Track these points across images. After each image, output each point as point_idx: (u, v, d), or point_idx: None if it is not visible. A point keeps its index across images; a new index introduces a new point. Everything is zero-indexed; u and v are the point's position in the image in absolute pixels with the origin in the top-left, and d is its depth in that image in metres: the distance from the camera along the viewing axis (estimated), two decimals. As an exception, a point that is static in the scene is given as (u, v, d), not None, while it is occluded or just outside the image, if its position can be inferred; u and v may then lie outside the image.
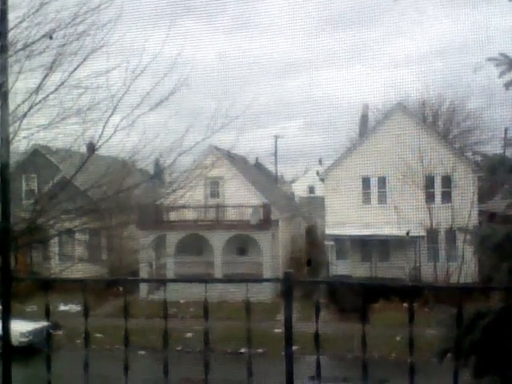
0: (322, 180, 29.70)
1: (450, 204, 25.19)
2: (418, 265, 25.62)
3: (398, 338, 17.71)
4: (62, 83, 11.49)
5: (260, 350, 17.15)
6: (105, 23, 11.19)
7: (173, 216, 26.94)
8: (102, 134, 12.27)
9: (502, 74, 8.17)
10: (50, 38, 10.69)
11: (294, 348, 3.59)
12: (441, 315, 7.17)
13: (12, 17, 8.87)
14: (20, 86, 10.75)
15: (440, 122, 35.39)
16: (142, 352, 17.44)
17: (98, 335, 19.15)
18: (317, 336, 3.68)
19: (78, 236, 15.45)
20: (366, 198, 27.87)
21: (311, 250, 31.44)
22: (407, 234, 24.59)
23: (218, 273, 26.75)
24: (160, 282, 29.80)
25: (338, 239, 26.86)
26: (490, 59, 8.34)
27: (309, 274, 26.49)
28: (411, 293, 4.47)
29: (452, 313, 5.63)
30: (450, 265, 24.82)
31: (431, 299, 16.03)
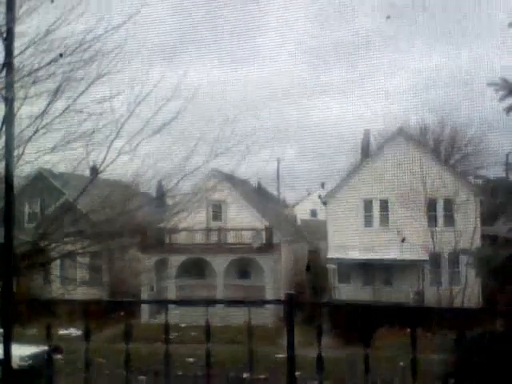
0: (324, 203, 29.70)
1: (452, 227, 25.14)
2: (421, 289, 25.44)
3: (401, 363, 17.50)
4: (67, 108, 11.62)
5: (262, 376, 16.94)
6: (109, 51, 11.37)
7: (175, 239, 26.90)
8: (105, 157, 12.38)
9: (502, 99, 8.25)
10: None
11: (297, 374, 3.57)
12: (443, 340, 7.12)
13: (18, 43, 9.04)
14: (25, 110, 10.88)
15: (442, 146, 35.52)
16: (143, 377, 17.25)
17: (99, 359, 18.97)
18: (319, 361, 3.65)
19: (79, 259, 15.44)
20: (368, 221, 27.83)
21: (313, 273, 31.25)
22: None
23: (219, 296, 26.58)
24: (161, 303, 29.65)
25: (341, 263, 26.75)
26: (490, 84, 8.43)
27: (311, 297, 26.31)
28: (414, 317, 4.45)
29: (454, 337, 5.59)
30: (453, 288, 24.65)
31: (434, 324, 15.89)
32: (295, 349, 3.55)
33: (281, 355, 13.96)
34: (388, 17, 12.32)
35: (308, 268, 26.35)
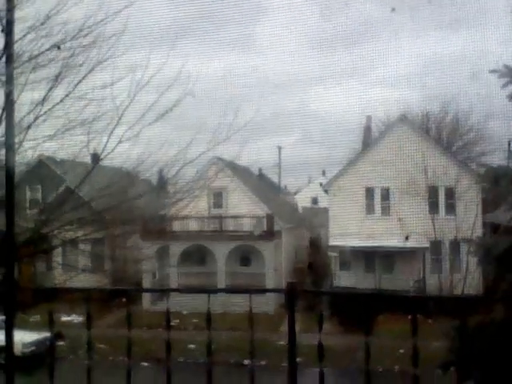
0: (326, 191, 29.69)
1: (453, 215, 25.14)
2: (422, 276, 25.51)
3: (401, 350, 17.59)
4: (68, 95, 11.57)
5: (263, 362, 17.05)
6: (110, 36, 11.30)
7: (176, 226, 26.95)
8: (106, 144, 12.34)
9: (504, 86, 8.20)
10: (58, 48, 10.77)
11: (298, 360, 3.58)
12: (444, 327, 7.14)
13: (18, 29, 8.97)
14: (26, 97, 10.85)
15: (443, 133, 35.40)
16: (145, 363, 17.38)
17: (101, 346, 19.09)
18: (320, 348, 3.66)
19: (81, 246, 15.47)
20: (370, 209, 27.84)
21: (314, 260, 31.34)
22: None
23: (220, 283, 26.69)
24: (163, 292, 29.80)
25: (342, 250, 26.81)
26: (492, 71, 8.37)
27: (312, 285, 26.39)
28: (415, 304, 4.45)
29: (455, 325, 5.61)
30: (454, 276, 24.71)
31: (435, 311, 15.94)
32: (296, 335, 3.56)
33: (282, 342, 14.03)
34: (393, 9, 12.22)
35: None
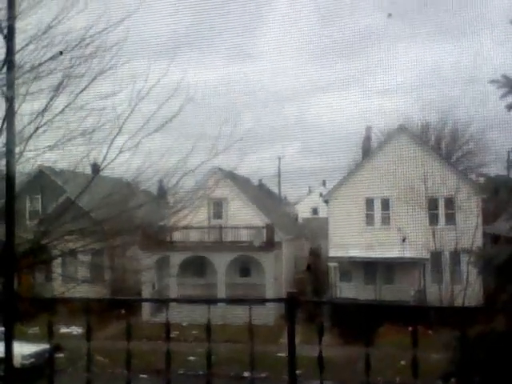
0: (326, 201, 29.69)
1: (453, 226, 25.11)
2: (422, 287, 25.43)
3: (402, 362, 17.50)
4: (68, 105, 11.59)
5: (263, 375, 16.95)
6: (111, 46, 11.34)
7: (176, 237, 26.89)
8: (106, 155, 12.33)
9: (503, 96, 8.23)
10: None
11: (298, 372, 3.55)
12: (444, 338, 7.11)
13: (19, 39, 9.02)
14: (26, 107, 10.86)
15: (443, 144, 35.49)
16: (144, 375, 17.26)
17: (100, 358, 18.98)
18: (320, 360, 3.64)
19: (81, 257, 15.43)
20: (370, 220, 27.82)
21: (315, 271, 31.26)
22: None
23: (220, 294, 26.58)
24: (162, 302, 29.65)
25: (342, 261, 26.75)
26: (491, 82, 8.40)
27: (312, 295, 26.31)
28: (415, 315, 4.43)
29: (456, 335, 5.58)
30: (454, 287, 24.63)
31: (435, 322, 15.88)
32: (296, 347, 3.54)
33: (282, 354, 13.95)
34: (389, 15, 12.30)
35: (308, 267, 26.33)
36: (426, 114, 35.62)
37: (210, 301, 16.45)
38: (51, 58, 10.75)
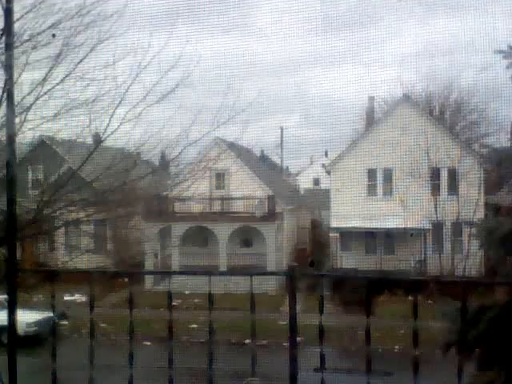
0: (328, 172, 29.66)
1: (456, 197, 25.08)
2: (423, 257, 25.59)
3: (402, 331, 17.73)
4: (68, 75, 11.49)
5: (264, 342, 17.21)
6: (111, 14, 11.17)
7: (178, 208, 26.98)
8: (107, 125, 12.28)
9: (509, 67, 8.12)
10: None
11: (298, 339, 3.60)
12: (445, 308, 7.17)
13: (18, 7, 8.89)
14: (26, 77, 10.77)
15: (446, 114, 35.20)
16: (148, 342, 17.55)
17: (104, 325, 19.27)
18: (321, 328, 3.69)
19: (83, 227, 15.50)
20: (372, 191, 27.82)
21: (316, 242, 31.46)
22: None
23: (222, 264, 26.82)
24: (165, 274, 29.94)
25: (343, 231, 26.86)
26: (497, 52, 8.28)
27: (313, 265, 26.49)
28: (415, 286, 4.46)
29: (456, 306, 5.63)
30: (455, 258, 24.77)
31: (436, 292, 16.02)
32: (297, 316, 3.58)
33: (283, 322, 14.13)
34: None
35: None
36: (429, 84, 35.16)
37: (212, 273, 16.60)
38: (52, 25, 10.61)
